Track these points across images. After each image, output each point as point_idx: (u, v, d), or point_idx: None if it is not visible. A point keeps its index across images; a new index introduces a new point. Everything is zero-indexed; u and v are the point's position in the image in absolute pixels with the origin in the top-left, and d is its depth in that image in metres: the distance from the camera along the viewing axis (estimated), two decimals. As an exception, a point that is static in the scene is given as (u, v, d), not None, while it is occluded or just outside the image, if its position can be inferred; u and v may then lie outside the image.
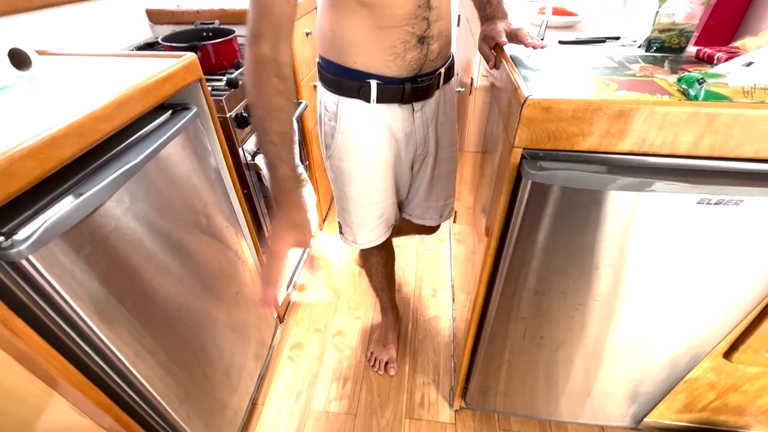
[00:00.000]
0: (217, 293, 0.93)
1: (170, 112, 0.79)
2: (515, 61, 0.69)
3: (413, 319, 1.42)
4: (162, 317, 0.73)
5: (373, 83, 0.73)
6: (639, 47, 0.78)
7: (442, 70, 0.79)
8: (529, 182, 0.58)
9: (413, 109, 0.80)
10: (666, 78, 0.61)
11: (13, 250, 0.45)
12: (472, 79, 1.24)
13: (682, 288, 0.69)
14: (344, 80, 0.75)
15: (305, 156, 1.55)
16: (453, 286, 1.52)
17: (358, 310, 1.47)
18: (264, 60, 0.56)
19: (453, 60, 0.85)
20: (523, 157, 0.58)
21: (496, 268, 0.73)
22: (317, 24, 0.75)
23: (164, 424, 0.79)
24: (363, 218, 0.94)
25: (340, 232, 1.02)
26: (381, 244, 1.04)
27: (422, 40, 0.71)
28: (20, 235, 0.46)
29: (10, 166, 0.46)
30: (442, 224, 1.71)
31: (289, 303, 1.50)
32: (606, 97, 0.53)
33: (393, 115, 0.79)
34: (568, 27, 0.94)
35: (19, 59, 0.72)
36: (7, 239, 0.45)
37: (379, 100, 0.75)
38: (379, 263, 1.15)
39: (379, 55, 0.71)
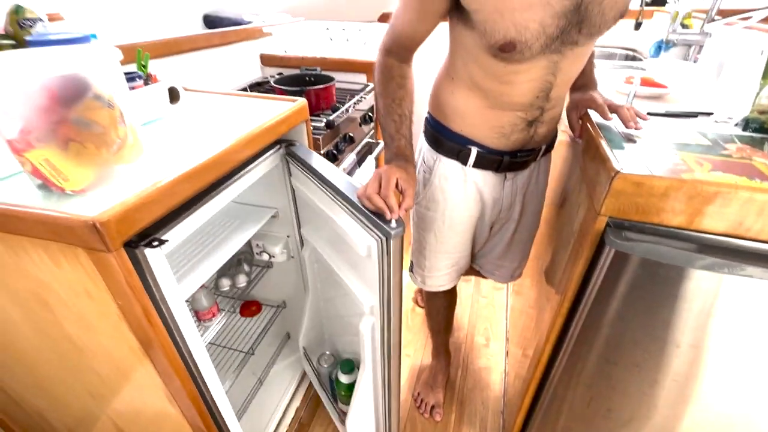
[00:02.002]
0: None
1: (278, 146, 0.91)
2: (602, 129, 0.72)
3: (463, 367, 1.40)
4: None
5: (474, 150, 0.78)
6: (735, 125, 0.77)
7: (543, 146, 0.83)
8: (612, 251, 0.59)
9: (505, 177, 0.84)
10: (766, 162, 0.61)
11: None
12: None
13: (776, 383, 0.64)
14: (446, 141, 0.81)
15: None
16: (507, 339, 1.49)
17: (408, 348, 1.48)
18: (391, 66, 0.72)
19: (556, 135, 0.88)
20: (607, 225, 0.60)
21: (566, 329, 0.73)
22: (434, 82, 0.83)
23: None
24: (436, 264, 0.98)
25: (411, 270, 1.07)
26: (452, 290, 1.07)
27: (531, 123, 0.74)
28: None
29: (174, 186, 0.57)
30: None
31: (341, 329, 1.56)
32: (701, 178, 0.54)
33: (485, 180, 0.83)
34: (656, 98, 0.95)
35: (172, 94, 0.89)
36: (160, 244, 0.56)
37: (476, 166, 0.80)
38: (441, 306, 1.17)
39: (485, 130, 0.76)
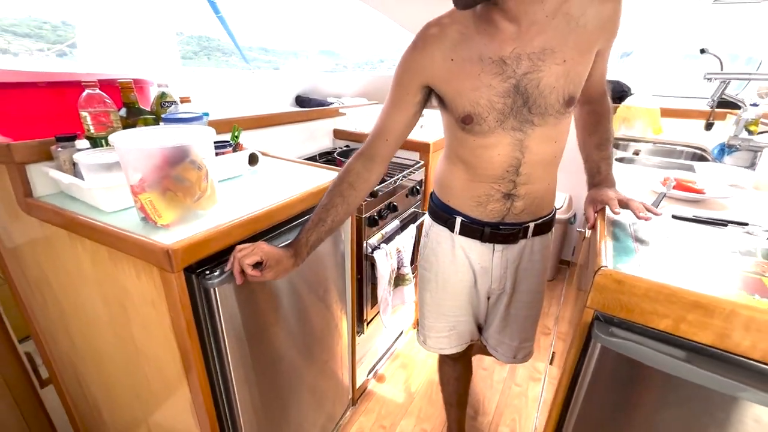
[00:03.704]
0: (312, 355, 1.10)
1: (326, 208, 1.08)
2: (613, 226, 0.75)
3: (480, 456, 1.31)
4: (268, 359, 0.92)
5: (458, 219, 0.89)
6: (768, 239, 0.74)
7: (531, 224, 0.88)
8: (599, 345, 0.61)
9: (494, 249, 0.90)
10: (778, 281, 0.59)
11: (210, 282, 0.71)
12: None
13: None
14: (439, 211, 0.94)
15: (416, 257, 1.74)
16: (534, 436, 1.37)
17: (426, 423, 1.44)
18: (351, 170, 0.82)
19: (551, 218, 0.93)
20: (596, 318, 0.62)
21: (562, 422, 0.71)
22: (437, 165, 0.97)
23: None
24: (434, 324, 1.05)
25: (417, 330, 1.12)
26: (456, 357, 1.09)
27: (507, 196, 0.83)
28: (216, 274, 0.72)
29: (231, 230, 0.74)
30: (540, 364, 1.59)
31: (365, 390, 1.58)
32: (680, 286, 0.55)
33: (472, 248, 0.91)
34: (694, 202, 0.94)
35: (252, 158, 1.13)
36: (209, 274, 0.72)
37: (462, 233, 0.90)
38: (451, 375, 1.18)
39: (466, 200, 0.87)
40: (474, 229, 0.88)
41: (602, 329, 0.60)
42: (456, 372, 1.17)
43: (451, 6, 0.71)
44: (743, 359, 0.53)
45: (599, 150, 0.87)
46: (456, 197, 0.89)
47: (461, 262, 0.94)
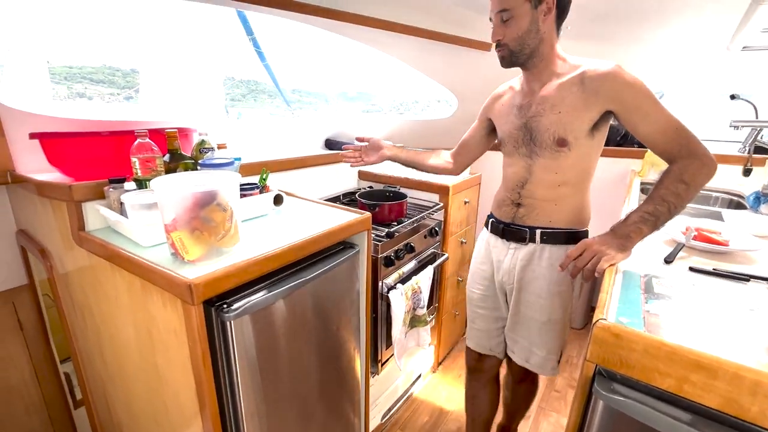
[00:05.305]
0: (323, 392, 1.11)
1: (342, 247, 1.13)
2: (626, 277, 0.74)
3: None
4: (278, 393, 0.95)
5: (490, 220, 1.19)
6: (795, 298, 0.70)
7: (538, 231, 1.06)
8: (600, 402, 0.59)
9: (509, 246, 1.11)
10: (797, 343, 0.56)
11: (227, 315, 0.76)
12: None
13: None
14: (487, 217, 1.22)
15: (437, 298, 1.73)
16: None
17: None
18: (445, 152, 1.35)
19: (563, 232, 1.05)
20: (598, 373, 0.61)
21: (571, 484, 0.68)
22: None
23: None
24: (469, 313, 1.27)
25: None
26: (471, 368, 1.30)
27: (516, 204, 1.09)
28: (233, 308, 0.78)
29: (248, 267, 0.80)
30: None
31: (379, 433, 1.54)
32: (680, 344, 0.53)
33: (494, 242, 1.17)
34: (716, 254, 0.90)
35: (277, 199, 1.21)
36: (227, 308, 0.77)
37: (490, 230, 1.18)
38: (468, 391, 1.35)
39: (495, 203, 1.17)
40: (496, 227, 1.15)
41: (603, 386, 0.59)
42: (471, 390, 1.32)
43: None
44: (754, 427, 0.50)
45: (644, 202, 0.86)
46: (493, 204, 1.19)
47: (486, 254, 1.19)
